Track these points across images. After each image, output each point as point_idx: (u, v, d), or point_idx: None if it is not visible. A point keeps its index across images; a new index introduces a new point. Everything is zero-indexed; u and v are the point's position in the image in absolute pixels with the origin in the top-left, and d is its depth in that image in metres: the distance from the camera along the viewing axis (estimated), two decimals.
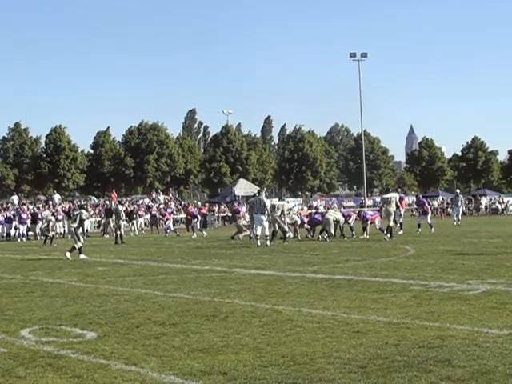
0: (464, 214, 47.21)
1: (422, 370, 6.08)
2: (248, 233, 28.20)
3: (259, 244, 23.04)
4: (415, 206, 44.58)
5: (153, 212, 41.90)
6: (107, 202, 48.25)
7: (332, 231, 26.34)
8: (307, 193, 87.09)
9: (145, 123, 78.24)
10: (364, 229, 26.69)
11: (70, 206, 41.58)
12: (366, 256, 18.15)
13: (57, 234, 34.40)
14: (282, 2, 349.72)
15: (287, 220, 26.55)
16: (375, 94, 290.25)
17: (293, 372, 6.17)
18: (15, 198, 51.18)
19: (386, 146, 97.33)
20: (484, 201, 65.69)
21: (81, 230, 21.85)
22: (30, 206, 42.72)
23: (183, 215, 44.90)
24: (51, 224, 32.36)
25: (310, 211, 48.94)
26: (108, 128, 78.02)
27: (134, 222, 38.69)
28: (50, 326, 8.77)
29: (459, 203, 37.69)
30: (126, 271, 16.02)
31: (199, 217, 37.13)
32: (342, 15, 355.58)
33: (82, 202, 41.57)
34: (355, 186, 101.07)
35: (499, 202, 64.09)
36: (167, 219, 38.38)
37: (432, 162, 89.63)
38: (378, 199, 56.88)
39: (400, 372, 6.03)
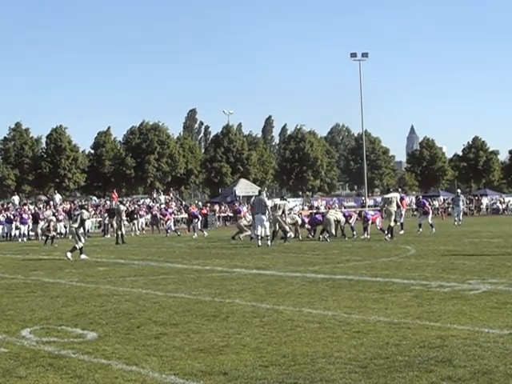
0: (465, 213, 47.20)
1: (423, 370, 6.08)
2: (249, 233, 28.22)
3: (260, 244, 23.05)
4: (415, 207, 44.64)
5: (154, 212, 41.91)
6: (107, 202, 48.27)
7: (333, 231, 26.35)
8: (308, 193, 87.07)
9: (146, 123, 78.27)
10: (365, 229, 26.70)
11: (70, 206, 41.59)
12: (367, 256, 18.16)
13: (58, 234, 34.40)
14: (283, 2, 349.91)
15: (288, 220, 26.57)
16: (376, 93, 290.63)
17: (294, 372, 6.17)
18: (16, 199, 51.21)
19: (387, 146, 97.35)
20: (485, 201, 65.71)
21: (82, 230, 21.87)
22: (31, 207, 42.72)
23: (184, 215, 44.94)
24: (52, 224, 32.37)
25: (310, 211, 48.92)
26: (109, 128, 78.09)
27: (135, 222, 38.72)
28: (51, 326, 8.77)
29: (460, 203, 37.72)
30: (126, 271, 16.02)
31: (200, 217, 37.14)
32: (342, 15, 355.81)
33: (83, 202, 41.62)
34: (356, 186, 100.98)
35: (500, 202, 64.11)
36: (168, 219, 38.39)
37: (433, 162, 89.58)
38: (379, 199, 56.95)
39: (401, 372, 6.03)
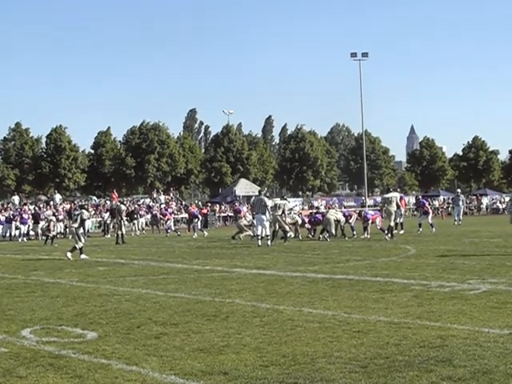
0: (465, 213, 47.20)
1: (423, 370, 6.08)
2: (249, 233, 28.24)
3: (260, 244, 23.05)
4: (414, 207, 44.65)
5: (154, 212, 41.89)
6: (107, 202, 48.27)
7: (333, 231, 26.35)
8: (308, 193, 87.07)
9: (146, 123, 78.31)
10: (365, 228, 26.70)
11: (70, 206, 41.55)
12: (367, 256, 18.16)
13: (58, 234, 34.39)
14: (283, 2, 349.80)
15: (288, 220, 26.58)
16: (376, 93, 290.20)
17: (294, 372, 6.17)
18: (16, 198, 51.20)
19: (387, 145, 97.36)
20: (485, 200, 65.73)
21: (82, 230, 21.87)
22: (31, 207, 42.71)
23: (184, 215, 44.94)
24: (52, 224, 32.36)
25: (310, 211, 48.94)
26: (109, 128, 78.14)
27: (135, 221, 38.70)
28: (51, 326, 8.77)
29: (460, 203, 37.73)
30: (126, 271, 16.03)
31: (200, 217, 37.14)
32: (342, 15, 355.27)
33: (83, 202, 41.60)
34: (356, 186, 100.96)
35: (500, 202, 64.09)
36: (168, 219, 38.39)
37: (433, 162, 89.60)
38: (379, 199, 56.95)
39: (401, 372, 6.03)
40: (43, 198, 55.99)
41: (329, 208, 40.48)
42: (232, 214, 47.95)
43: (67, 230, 33.92)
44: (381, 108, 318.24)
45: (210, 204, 51.85)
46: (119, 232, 29.44)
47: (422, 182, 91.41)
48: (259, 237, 23.45)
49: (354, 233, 26.91)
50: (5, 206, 44.64)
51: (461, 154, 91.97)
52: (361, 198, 69.32)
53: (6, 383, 6.15)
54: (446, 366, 6.18)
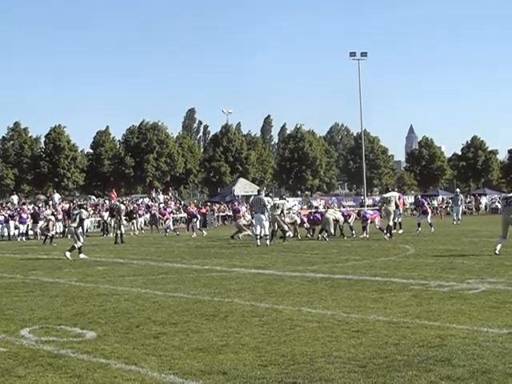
0: (464, 213, 47.23)
1: (422, 370, 6.08)
2: (248, 232, 28.24)
3: (259, 243, 23.05)
4: (413, 206, 44.68)
5: (152, 211, 41.89)
6: (107, 201, 48.26)
7: (332, 230, 26.36)
8: (307, 192, 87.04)
9: (145, 123, 78.29)
10: (364, 228, 26.70)
11: (69, 206, 41.52)
12: (366, 255, 18.16)
13: (56, 233, 34.38)
14: (282, 2, 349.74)
15: (287, 219, 26.58)
16: (375, 93, 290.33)
17: (293, 371, 6.18)
18: (15, 198, 51.14)
19: (386, 145, 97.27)
20: (484, 200, 65.73)
21: (80, 229, 21.86)
22: (30, 206, 42.69)
23: (183, 215, 44.93)
24: (51, 223, 32.35)
25: (310, 210, 48.92)
26: (107, 127, 78.09)
27: (134, 221, 38.68)
28: (50, 326, 8.77)
29: (459, 202, 37.76)
30: (125, 271, 16.02)
31: (199, 216, 37.14)
32: (341, 14, 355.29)
33: (82, 202, 41.57)
34: (355, 186, 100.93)
35: (499, 202, 64.07)
36: (167, 219, 38.41)
37: (432, 162, 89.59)
38: (378, 198, 56.92)
39: (400, 371, 6.04)
40: (42, 197, 55.94)
41: (328, 208, 40.44)
42: (231, 214, 47.97)
43: (66, 229, 33.91)
44: (380, 108, 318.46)
45: (208, 203, 51.86)
46: (118, 231, 29.44)
47: (420, 181, 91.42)
48: (258, 236, 23.46)
49: (353, 232, 26.92)
50: (4, 205, 44.60)
51: (460, 153, 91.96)
52: (360, 198, 69.32)
53: (4, 383, 6.15)
54: (444, 366, 6.18)
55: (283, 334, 7.83)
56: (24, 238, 36.26)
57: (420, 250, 19.21)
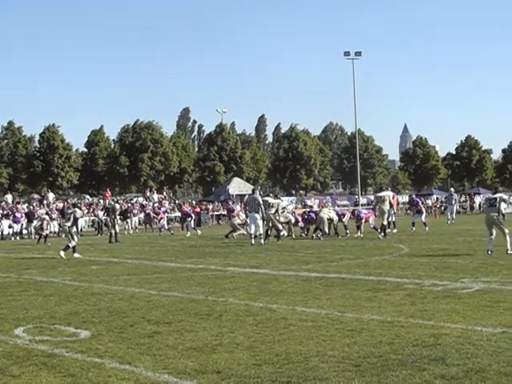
0: (458, 212, 47.29)
1: (416, 369, 6.09)
2: (242, 231, 28.24)
3: (253, 243, 23.05)
4: (408, 206, 44.70)
5: (147, 211, 41.81)
6: (101, 200, 48.18)
7: (326, 230, 26.38)
8: (301, 191, 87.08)
9: (140, 122, 78.21)
10: (358, 227, 26.72)
11: (63, 205, 41.44)
12: (360, 254, 18.18)
13: (51, 232, 34.30)
14: (276, 1, 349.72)
15: (281, 219, 26.59)
16: (369, 92, 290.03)
17: (287, 370, 6.18)
18: (9, 197, 50.94)
19: (380, 144, 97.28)
20: (478, 199, 65.80)
21: (75, 228, 21.83)
22: (25, 205, 42.57)
23: (177, 214, 44.87)
24: (45, 223, 32.28)
25: (304, 210, 48.93)
26: (102, 127, 77.98)
27: (128, 220, 38.62)
28: (44, 325, 8.75)
29: (453, 202, 37.83)
30: (119, 270, 16.00)
31: (193, 215, 37.11)
32: (336, 14, 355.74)
33: (76, 201, 41.51)
34: (349, 185, 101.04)
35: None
36: (161, 218, 38.35)
37: (426, 161, 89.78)
38: (372, 198, 57.03)
39: (394, 370, 6.04)
40: (36, 196, 55.81)
41: (322, 207, 40.47)
42: (225, 213, 47.93)
43: (60, 228, 33.84)
44: (374, 107, 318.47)
45: (203, 203, 51.81)
46: (112, 231, 29.40)
47: (415, 180, 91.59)
48: (252, 235, 23.46)
49: (347, 232, 26.94)
50: None
51: (454, 153, 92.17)
52: (354, 197, 69.36)
53: None
54: (439, 365, 6.19)
55: (277, 333, 7.83)
56: (18, 238, 36.16)
57: (414, 249, 19.23)
